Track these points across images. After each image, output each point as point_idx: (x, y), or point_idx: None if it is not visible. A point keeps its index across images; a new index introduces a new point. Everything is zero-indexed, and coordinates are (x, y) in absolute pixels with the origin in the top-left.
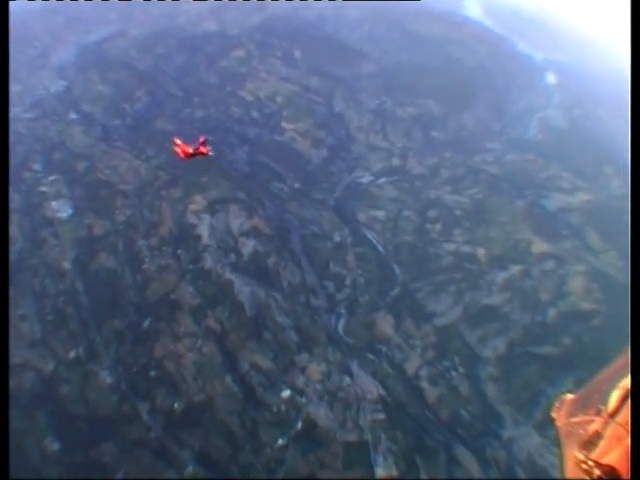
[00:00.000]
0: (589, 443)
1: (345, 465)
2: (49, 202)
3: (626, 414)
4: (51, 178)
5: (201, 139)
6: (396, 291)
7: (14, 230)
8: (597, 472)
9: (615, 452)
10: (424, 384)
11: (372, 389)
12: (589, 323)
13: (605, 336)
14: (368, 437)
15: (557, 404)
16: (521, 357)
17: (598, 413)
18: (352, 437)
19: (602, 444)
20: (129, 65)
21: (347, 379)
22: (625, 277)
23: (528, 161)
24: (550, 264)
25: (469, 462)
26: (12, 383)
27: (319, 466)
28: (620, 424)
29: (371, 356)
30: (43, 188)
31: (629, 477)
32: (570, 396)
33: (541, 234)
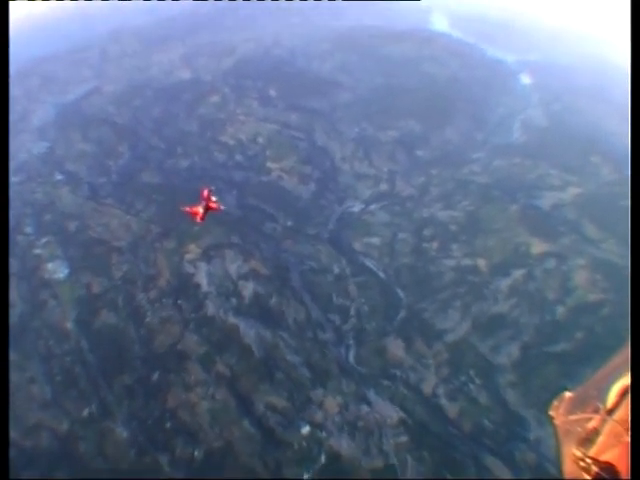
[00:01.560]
0: (587, 440)
1: None
2: (45, 264)
3: (624, 412)
4: (44, 240)
5: (205, 193)
6: (402, 314)
7: (13, 294)
8: (595, 469)
9: (613, 449)
10: (443, 401)
11: (391, 414)
12: (599, 313)
13: (617, 323)
14: (394, 461)
15: (555, 402)
16: (537, 358)
17: (596, 411)
18: (378, 463)
19: (600, 441)
20: (108, 121)
21: (365, 407)
22: (628, 262)
23: (515, 165)
24: (552, 262)
25: (499, 469)
26: (28, 444)
27: None
28: (618, 421)
29: (386, 382)
30: (37, 250)
31: (627, 474)
32: (568, 394)
33: (539, 234)
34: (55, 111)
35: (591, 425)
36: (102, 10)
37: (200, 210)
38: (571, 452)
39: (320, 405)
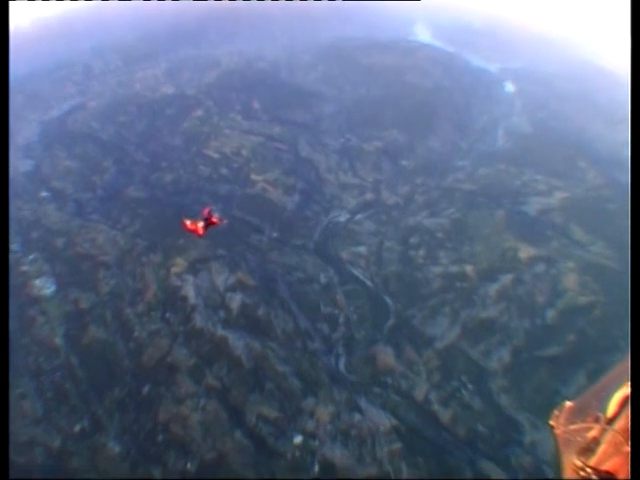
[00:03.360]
0: (587, 450)
1: None
2: (32, 281)
3: (624, 421)
4: (31, 257)
5: (205, 212)
6: (391, 322)
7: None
8: (595, 478)
9: (613, 459)
10: (436, 407)
11: (384, 421)
12: (590, 315)
13: (609, 325)
14: (389, 468)
15: (556, 412)
16: (528, 363)
17: (597, 420)
18: (372, 471)
19: (600, 451)
20: (93, 137)
21: (357, 415)
22: (616, 264)
23: (500, 171)
24: (540, 267)
25: (496, 473)
26: (22, 460)
27: None
28: (618, 431)
29: (377, 389)
30: (24, 267)
31: None
32: (568, 403)
33: (526, 239)
34: (40, 128)
35: (591, 434)
36: (85, 26)
37: (201, 225)
38: (571, 461)
39: (312, 414)
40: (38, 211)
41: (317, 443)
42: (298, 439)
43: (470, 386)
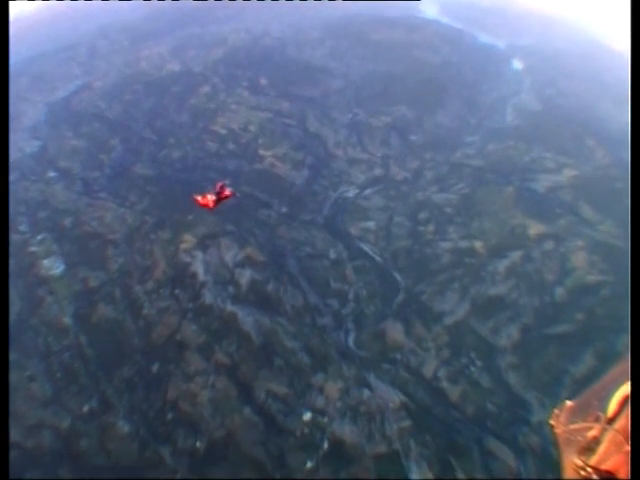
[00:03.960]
0: (588, 449)
1: (379, 477)
2: (40, 261)
3: (624, 421)
4: (39, 237)
5: (218, 186)
6: (400, 297)
7: (10, 292)
8: (595, 478)
9: (613, 458)
10: (444, 384)
11: (393, 398)
12: (599, 295)
13: (617, 305)
14: (397, 446)
15: (556, 411)
16: (537, 340)
17: (597, 420)
18: (381, 449)
19: (601, 450)
20: (99, 116)
21: (366, 392)
22: (625, 244)
23: (509, 148)
24: (549, 244)
25: (503, 453)
26: (30, 443)
27: None
28: (618, 431)
29: (387, 365)
30: (32, 248)
31: None
32: (569, 403)
33: (535, 216)
34: (46, 109)
35: (592, 434)
36: (90, 8)
37: (214, 198)
38: (572, 461)
39: (321, 390)
40: (45, 191)
41: (326, 420)
42: (307, 416)
43: (479, 363)
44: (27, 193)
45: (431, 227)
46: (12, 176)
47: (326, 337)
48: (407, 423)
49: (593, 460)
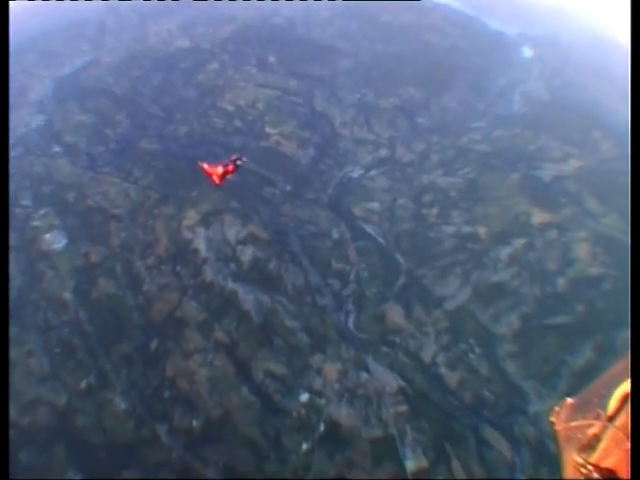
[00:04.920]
0: (588, 447)
1: (374, 462)
2: (43, 235)
3: (625, 418)
4: (42, 212)
5: (233, 158)
6: (402, 280)
7: (11, 267)
8: (596, 476)
9: (614, 456)
10: (443, 370)
11: (391, 382)
12: (600, 287)
13: (618, 298)
14: (393, 431)
15: (556, 408)
16: (537, 330)
17: (597, 417)
18: (377, 433)
19: (601, 448)
20: (107, 91)
21: (364, 375)
22: (628, 238)
23: (516, 135)
24: (553, 233)
25: (499, 442)
26: (26, 420)
27: (347, 466)
28: (619, 428)
29: (385, 348)
30: (35, 222)
31: None
32: (569, 400)
33: (539, 204)
34: (53, 85)
35: (592, 431)
36: None
37: (219, 170)
38: (572, 458)
39: (319, 371)
40: (50, 166)
41: (323, 402)
42: (304, 397)
43: (478, 350)
44: (31, 167)
45: (435, 210)
46: (17, 151)
47: (326, 318)
48: (404, 408)
49: (594, 458)
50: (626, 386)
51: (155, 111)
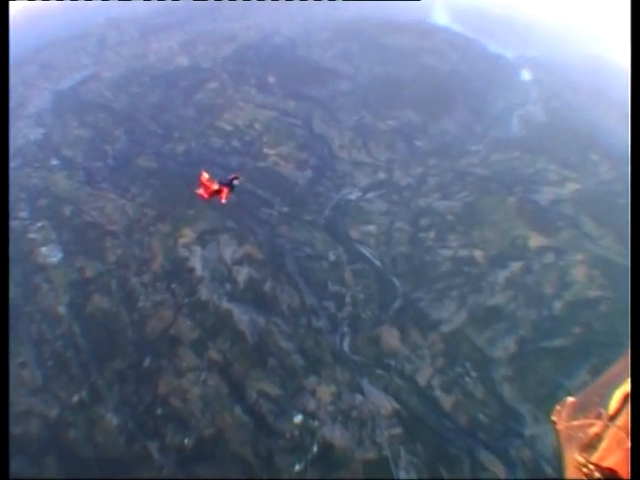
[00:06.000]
0: (589, 446)
1: None
2: (39, 248)
3: (626, 417)
4: (39, 224)
5: (232, 177)
6: (398, 303)
7: None
8: (597, 475)
9: (615, 455)
10: (438, 393)
11: (385, 404)
12: (597, 310)
13: (615, 321)
14: (387, 453)
15: (557, 407)
16: (533, 353)
17: (598, 416)
18: (371, 455)
19: (602, 447)
20: (105, 106)
21: (359, 397)
22: (625, 260)
23: (514, 158)
24: (550, 256)
25: (494, 465)
26: (18, 430)
27: None
28: (620, 427)
29: (380, 371)
30: (31, 235)
31: None
32: (570, 399)
33: (537, 228)
34: (52, 98)
35: (593, 431)
36: None
37: (214, 187)
38: (573, 458)
39: (313, 393)
40: (47, 179)
41: (317, 423)
42: (298, 418)
43: (473, 373)
44: (29, 180)
45: (432, 234)
46: (15, 162)
47: (321, 339)
48: (398, 430)
49: (595, 457)
50: (627, 386)
51: (153, 128)
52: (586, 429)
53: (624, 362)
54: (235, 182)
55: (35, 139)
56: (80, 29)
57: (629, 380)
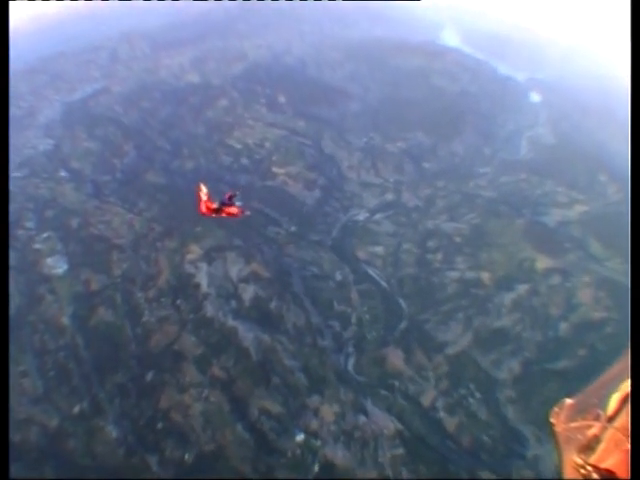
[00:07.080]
0: (588, 448)
1: None
2: (44, 259)
3: (624, 419)
4: (45, 235)
5: (227, 196)
6: (404, 324)
7: (11, 287)
8: (596, 476)
9: (613, 457)
10: (441, 414)
11: (388, 425)
12: (602, 331)
13: (620, 342)
14: (389, 473)
15: (556, 409)
16: (538, 375)
17: (597, 418)
18: (372, 475)
19: (601, 449)
20: (115, 120)
21: (362, 417)
22: None
23: (522, 180)
24: (556, 279)
25: None
26: (17, 438)
27: None
28: (618, 429)
29: (384, 392)
30: (37, 245)
31: None
32: (569, 401)
33: (544, 250)
34: (62, 109)
35: (592, 432)
36: (113, 11)
37: (214, 206)
38: (572, 459)
39: (316, 413)
40: (55, 190)
41: (319, 443)
42: (300, 437)
43: (478, 395)
44: (36, 190)
45: (439, 256)
46: (22, 172)
47: (325, 359)
48: (401, 451)
49: (593, 458)
50: (626, 387)
51: (162, 144)
52: (584, 431)
53: (622, 365)
54: (232, 211)
55: (44, 150)
56: (92, 41)
57: (627, 382)
